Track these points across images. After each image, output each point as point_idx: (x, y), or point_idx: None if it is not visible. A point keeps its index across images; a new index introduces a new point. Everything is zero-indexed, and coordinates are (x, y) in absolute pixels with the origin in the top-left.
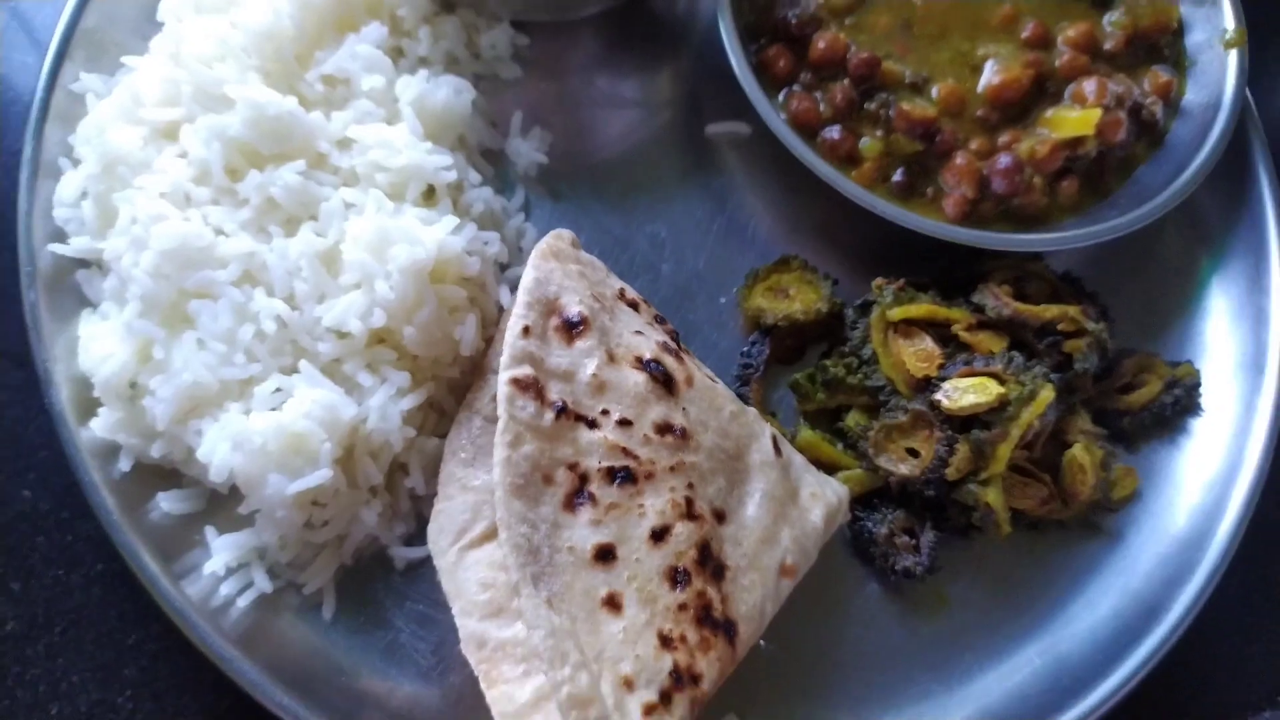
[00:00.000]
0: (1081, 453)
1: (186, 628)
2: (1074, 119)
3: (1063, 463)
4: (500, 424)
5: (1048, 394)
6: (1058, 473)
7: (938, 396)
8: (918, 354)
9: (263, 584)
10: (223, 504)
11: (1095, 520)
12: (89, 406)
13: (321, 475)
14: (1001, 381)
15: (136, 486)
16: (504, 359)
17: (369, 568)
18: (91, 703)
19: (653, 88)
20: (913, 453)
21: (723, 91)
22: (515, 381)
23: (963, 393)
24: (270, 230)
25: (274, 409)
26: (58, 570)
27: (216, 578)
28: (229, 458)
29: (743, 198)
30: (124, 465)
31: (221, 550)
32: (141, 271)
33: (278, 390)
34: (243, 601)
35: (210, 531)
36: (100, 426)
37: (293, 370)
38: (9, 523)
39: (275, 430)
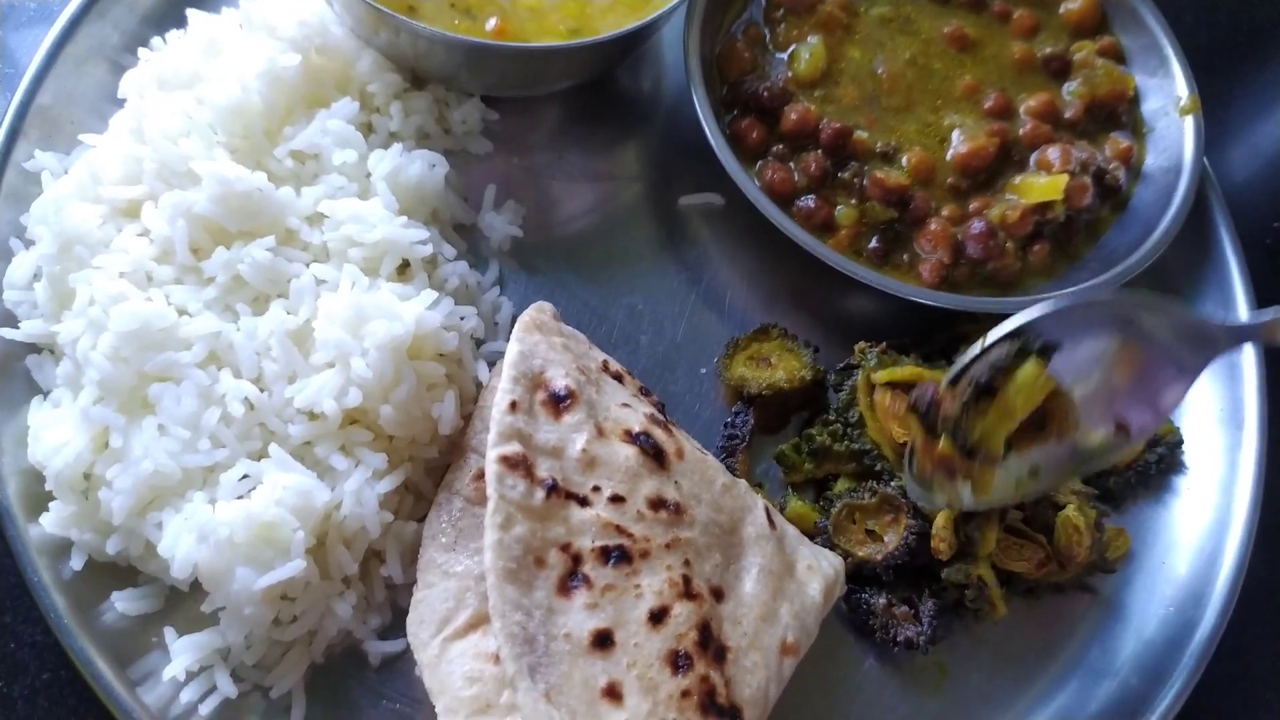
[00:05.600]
0: (1075, 513)
1: None
2: (1042, 185)
3: (1056, 524)
4: (490, 505)
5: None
6: (1051, 534)
7: None
8: (904, 420)
9: (226, 688)
10: (182, 602)
11: (1091, 583)
12: (38, 501)
13: (295, 567)
14: None
15: (89, 586)
16: (491, 436)
17: (341, 665)
18: None
19: (623, 161)
20: (873, 534)
21: (693, 164)
22: (504, 459)
23: None
24: (237, 309)
25: (241, 497)
26: None
27: (176, 683)
28: (193, 551)
29: (718, 268)
30: (76, 563)
31: (182, 653)
32: (99, 355)
33: (245, 477)
34: (205, 708)
35: (169, 633)
36: (51, 522)
37: (261, 455)
38: None
39: (244, 520)
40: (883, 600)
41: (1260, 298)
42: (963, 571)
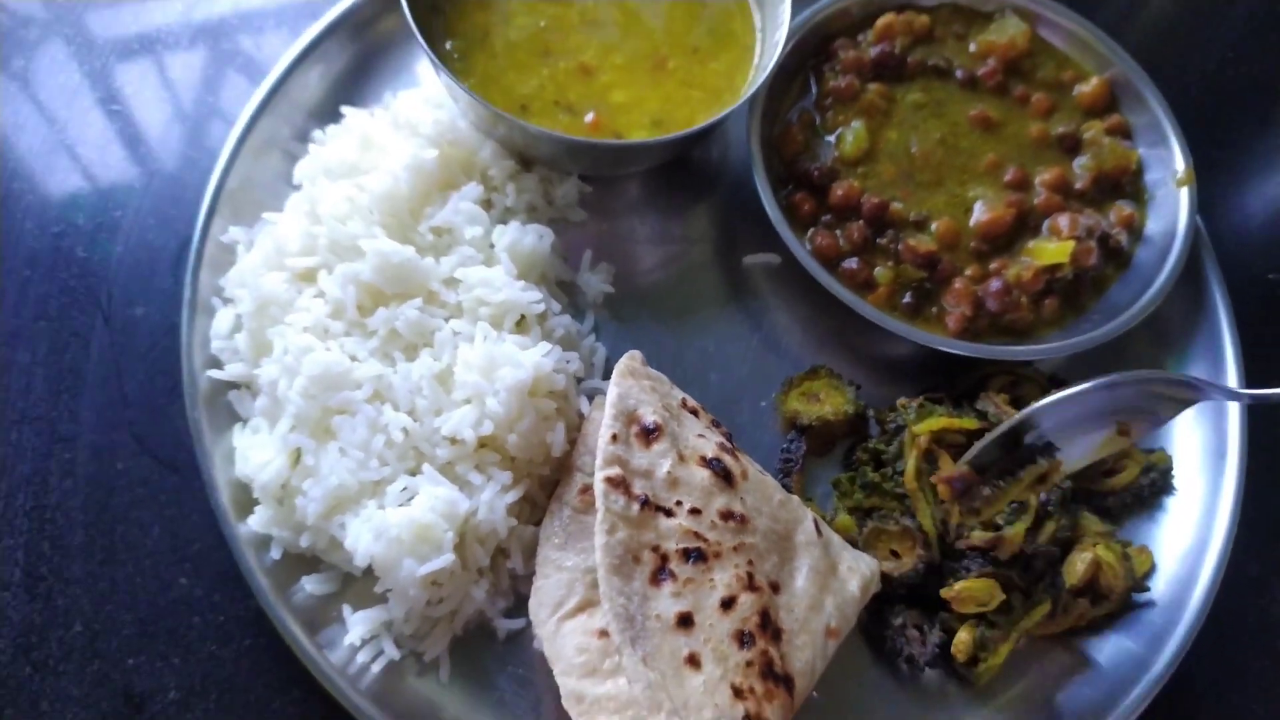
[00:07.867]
0: (1105, 552)
1: (331, 688)
2: (1052, 249)
3: (1094, 568)
4: (599, 515)
5: (1045, 607)
6: (1056, 570)
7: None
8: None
9: (391, 652)
10: (354, 585)
11: (1136, 601)
12: (246, 506)
13: (445, 559)
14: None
15: (285, 572)
16: (598, 461)
17: (476, 637)
18: None
19: (694, 225)
20: (895, 554)
21: (754, 228)
22: (609, 480)
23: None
24: (394, 356)
25: (403, 504)
26: (212, 646)
27: (353, 647)
28: (371, 546)
29: (776, 317)
30: (275, 554)
31: (357, 625)
32: (294, 393)
33: (405, 489)
34: (375, 667)
35: (347, 609)
36: (256, 522)
37: (417, 472)
38: (169, 605)
39: (407, 522)
40: (900, 620)
41: (1246, 345)
42: (972, 669)
